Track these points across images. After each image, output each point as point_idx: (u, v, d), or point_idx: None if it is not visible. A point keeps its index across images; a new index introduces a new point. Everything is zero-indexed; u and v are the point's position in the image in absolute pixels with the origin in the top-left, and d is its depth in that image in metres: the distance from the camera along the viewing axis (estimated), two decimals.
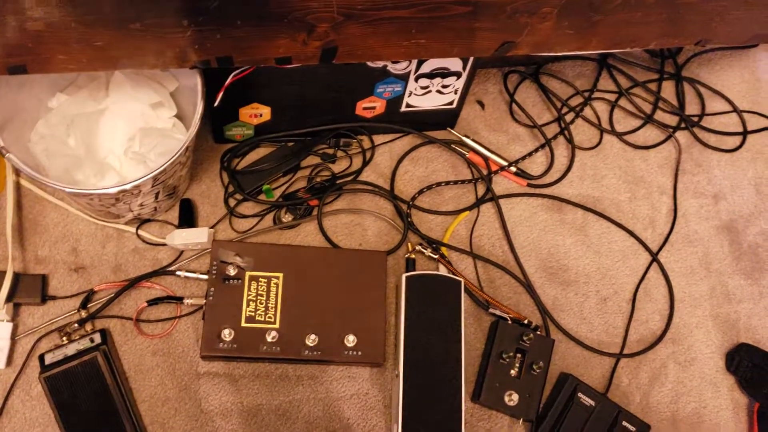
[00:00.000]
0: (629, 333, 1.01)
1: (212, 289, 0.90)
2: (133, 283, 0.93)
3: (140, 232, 0.96)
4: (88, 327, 0.91)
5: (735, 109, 1.18)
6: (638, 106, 1.15)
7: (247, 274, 0.91)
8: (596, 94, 1.15)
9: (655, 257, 1.06)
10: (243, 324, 0.89)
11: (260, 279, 0.91)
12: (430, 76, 0.96)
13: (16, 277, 0.90)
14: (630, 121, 1.15)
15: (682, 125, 1.15)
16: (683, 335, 1.02)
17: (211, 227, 0.98)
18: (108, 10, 0.64)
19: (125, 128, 0.89)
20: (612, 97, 1.16)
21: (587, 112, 1.14)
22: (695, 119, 1.16)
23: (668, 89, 1.18)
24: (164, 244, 0.96)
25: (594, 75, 1.16)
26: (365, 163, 1.05)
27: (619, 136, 1.13)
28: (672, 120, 1.15)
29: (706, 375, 1.01)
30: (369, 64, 0.91)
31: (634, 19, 0.79)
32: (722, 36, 0.86)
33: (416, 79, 0.96)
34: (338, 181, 1.04)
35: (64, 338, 0.89)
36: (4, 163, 0.95)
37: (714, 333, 1.03)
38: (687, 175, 1.12)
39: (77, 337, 0.89)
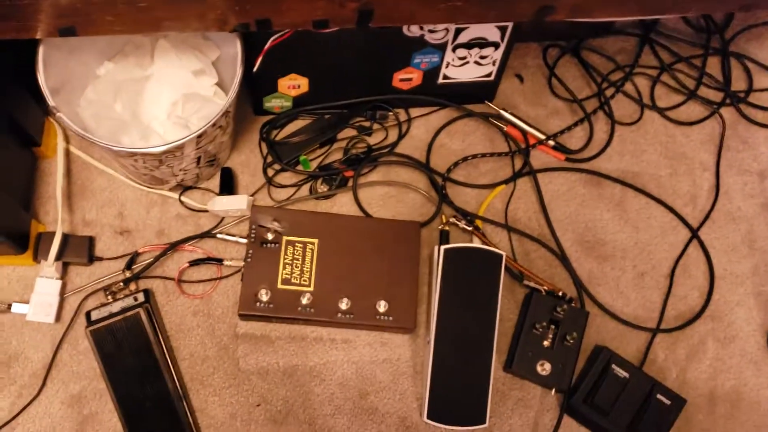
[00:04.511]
0: (666, 308, 0.99)
1: (251, 251, 0.93)
2: (175, 245, 0.96)
3: (183, 198, 0.99)
4: (132, 287, 0.94)
5: None
6: (681, 81, 1.13)
7: (284, 238, 0.93)
8: (638, 70, 1.13)
9: (695, 233, 1.04)
10: (279, 286, 0.91)
11: (296, 244, 0.93)
12: (468, 46, 0.96)
13: (65, 237, 0.94)
14: (672, 97, 1.13)
15: (728, 101, 1.12)
16: (723, 312, 1.00)
17: (251, 195, 1.00)
18: None
19: (169, 94, 0.92)
20: (654, 72, 1.14)
21: (628, 87, 1.12)
22: (741, 95, 1.13)
23: (714, 65, 1.15)
24: (206, 211, 0.99)
25: (635, 50, 1.15)
26: (401, 136, 1.07)
27: (661, 111, 1.11)
28: (717, 96, 1.13)
29: (747, 353, 0.98)
30: (406, 33, 0.92)
31: None
32: None
33: (454, 50, 0.97)
34: (373, 153, 1.05)
35: (110, 297, 0.92)
36: (55, 131, 1.00)
37: (756, 311, 1.00)
38: (731, 152, 1.09)
39: (122, 296, 0.92)
